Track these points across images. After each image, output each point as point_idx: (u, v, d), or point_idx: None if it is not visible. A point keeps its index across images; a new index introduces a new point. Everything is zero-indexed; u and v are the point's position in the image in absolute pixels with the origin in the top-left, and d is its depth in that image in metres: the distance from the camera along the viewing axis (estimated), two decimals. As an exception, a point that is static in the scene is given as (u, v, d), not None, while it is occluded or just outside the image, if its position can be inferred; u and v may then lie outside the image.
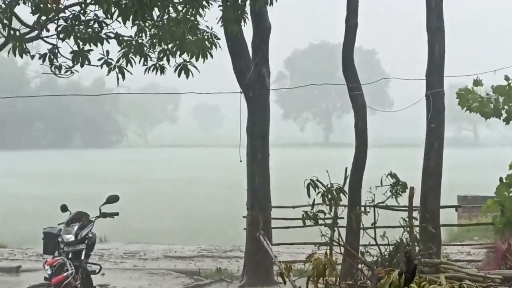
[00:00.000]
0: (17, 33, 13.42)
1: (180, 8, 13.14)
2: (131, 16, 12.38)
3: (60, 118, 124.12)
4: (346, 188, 13.12)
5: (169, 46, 13.65)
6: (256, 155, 15.92)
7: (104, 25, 13.10)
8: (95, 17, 13.13)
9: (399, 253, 11.94)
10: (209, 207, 37.20)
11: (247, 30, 15.68)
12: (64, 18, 13.27)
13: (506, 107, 13.05)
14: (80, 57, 13.35)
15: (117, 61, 13.45)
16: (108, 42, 13.16)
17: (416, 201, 14.52)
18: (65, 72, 14.00)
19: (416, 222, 14.02)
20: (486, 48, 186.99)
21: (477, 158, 79.64)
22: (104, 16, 12.81)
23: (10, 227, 29.61)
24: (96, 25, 13.16)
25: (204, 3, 13.13)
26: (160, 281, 16.37)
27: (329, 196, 11.88)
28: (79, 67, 13.64)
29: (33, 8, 12.42)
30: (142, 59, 13.70)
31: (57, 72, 14.02)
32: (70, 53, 13.39)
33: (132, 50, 13.43)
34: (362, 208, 13.32)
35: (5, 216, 33.81)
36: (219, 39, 14.09)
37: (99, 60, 13.45)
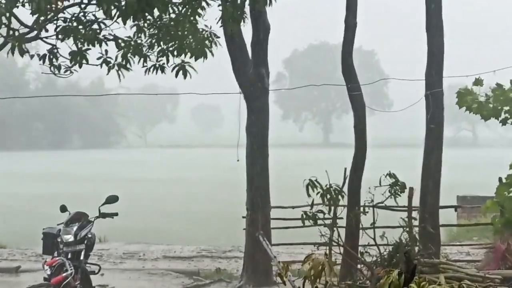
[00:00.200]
0: (16, 33, 13.43)
1: (179, 8, 13.14)
2: (131, 16, 12.42)
3: (59, 118, 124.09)
4: (346, 189, 13.12)
5: (168, 46, 13.66)
6: (256, 156, 15.92)
7: (103, 26, 13.10)
8: (94, 17, 13.14)
9: (398, 253, 11.94)
10: (208, 207, 37.17)
11: (246, 31, 15.69)
12: (63, 18, 13.28)
13: (505, 108, 13.05)
14: (78, 56, 13.36)
15: (116, 60, 13.47)
16: (107, 44, 13.18)
17: (416, 201, 14.51)
18: (64, 72, 14.02)
19: (416, 222, 14.02)
20: (486, 48, 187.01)
21: (476, 159, 79.66)
22: (103, 16, 12.83)
23: (10, 227, 29.60)
24: (95, 26, 13.17)
25: (203, 3, 13.14)
26: (159, 282, 16.37)
27: (328, 196, 11.90)
28: (78, 67, 13.66)
29: (33, 9, 12.42)
30: (142, 59, 13.72)
31: (56, 72, 14.03)
32: (69, 53, 13.42)
33: (131, 51, 13.44)
34: (362, 208, 13.32)
35: (5, 216, 33.79)
36: (218, 37, 14.10)
37: (98, 59, 13.46)
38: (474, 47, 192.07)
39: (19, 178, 58.74)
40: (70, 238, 11.90)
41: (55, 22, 13.49)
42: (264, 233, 14.93)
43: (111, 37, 13.30)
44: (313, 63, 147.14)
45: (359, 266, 13.22)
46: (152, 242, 23.06)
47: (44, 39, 13.88)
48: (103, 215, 12.34)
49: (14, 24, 13.65)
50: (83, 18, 13.17)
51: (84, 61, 13.15)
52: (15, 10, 12.67)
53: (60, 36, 13.29)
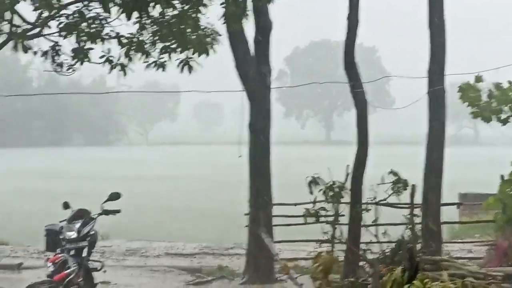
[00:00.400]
0: (19, 30, 13.44)
1: (180, 5, 13.16)
2: (133, 13, 12.44)
3: (59, 116, 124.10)
4: (348, 186, 13.14)
5: (170, 43, 13.67)
6: (258, 153, 15.93)
7: (105, 23, 13.12)
8: (96, 14, 13.16)
9: (400, 250, 11.94)
10: (210, 205, 37.18)
11: (249, 28, 15.71)
12: (66, 15, 13.29)
13: (505, 108, 13.02)
14: (81, 54, 13.39)
15: (119, 59, 13.48)
16: (109, 42, 13.19)
17: (418, 199, 14.49)
18: (67, 69, 14.04)
19: (418, 220, 14.01)
20: (488, 44, 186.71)
21: (478, 156, 79.57)
22: (106, 14, 12.85)
23: (12, 224, 29.61)
24: (98, 23, 13.19)
25: (205, 1, 13.17)
26: (161, 278, 16.39)
27: (331, 193, 11.93)
28: (80, 64, 13.67)
29: (39, 4, 12.43)
30: (144, 56, 13.73)
31: (58, 69, 14.05)
32: (72, 50, 13.43)
33: (133, 48, 13.46)
34: (364, 206, 13.33)
35: (7, 213, 33.81)
36: (220, 35, 14.11)
37: (100, 57, 13.47)
38: (476, 44, 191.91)
39: (20, 176, 58.77)
40: (73, 235, 11.90)
41: (57, 19, 13.51)
42: (266, 231, 14.95)
43: (114, 35, 13.33)
44: (315, 61, 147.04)
45: (361, 263, 13.24)
46: (154, 239, 23.07)
47: (46, 36, 13.90)
48: (105, 212, 12.33)
49: (16, 21, 13.69)
50: (86, 12, 13.20)
51: (86, 60, 13.17)
52: (16, 7, 12.69)
53: (62, 33, 13.31)
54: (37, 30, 13.85)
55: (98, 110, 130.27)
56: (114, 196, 12.32)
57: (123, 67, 13.52)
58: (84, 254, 11.80)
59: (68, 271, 9.50)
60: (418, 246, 12.82)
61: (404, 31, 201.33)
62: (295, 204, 16.42)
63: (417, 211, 13.96)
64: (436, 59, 14.54)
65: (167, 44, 13.59)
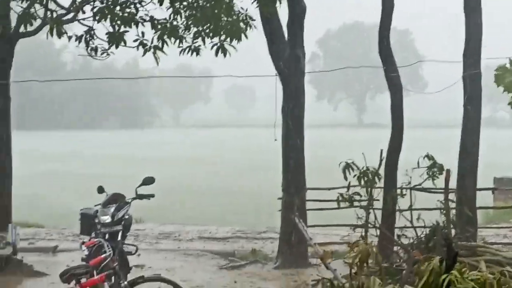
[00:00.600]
0: (54, 15, 13.53)
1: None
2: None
3: (94, 99, 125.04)
4: (382, 170, 13.07)
5: (204, 27, 13.67)
6: (291, 137, 15.89)
7: (139, 6, 13.16)
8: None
9: (435, 236, 11.88)
10: (243, 188, 37.23)
11: (282, 12, 15.61)
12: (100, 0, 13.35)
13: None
14: (115, 38, 13.44)
15: (152, 42, 13.51)
16: (143, 25, 13.23)
17: (452, 183, 14.37)
18: (101, 54, 14.12)
19: (453, 205, 13.91)
20: (492, 38, 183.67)
21: (513, 140, 78.74)
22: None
23: (46, 207, 29.90)
24: (132, 7, 13.23)
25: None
26: (195, 262, 16.43)
27: (365, 178, 11.88)
28: (115, 48, 13.74)
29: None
30: (177, 41, 13.75)
31: (93, 54, 14.14)
32: (106, 34, 13.49)
33: (167, 32, 13.48)
34: (398, 191, 13.25)
35: (41, 195, 34.15)
36: (254, 20, 14.09)
37: (134, 41, 13.52)
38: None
39: (56, 158, 59.30)
40: (107, 219, 12.00)
41: (92, 3, 13.58)
42: (299, 215, 14.93)
43: (147, 18, 13.37)
44: (347, 43, 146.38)
45: (395, 248, 13.19)
46: (187, 223, 23.15)
47: (81, 20, 13.98)
48: (139, 197, 12.41)
49: (51, 5, 13.78)
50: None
51: (121, 43, 13.23)
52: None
53: (97, 18, 13.37)
54: (72, 15, 13.95)
55: (131, 93, 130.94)
56: (148, 181, 12.39)
57: (156, 50, 13.56)
58: (119, 238, 11.90)
59: (104, 255, 9.56)
60: (453, 232, 12.78)
61: (437, 12, 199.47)
62: (329, 189, 16.36)
63: (451, 196, 13.90)
64: (472, 42, 14.39)
65: (201, 28, 13.60)
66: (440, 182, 12.83)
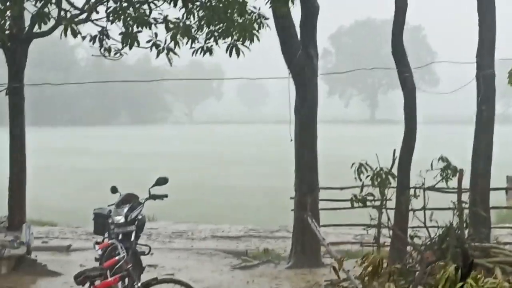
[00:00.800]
0: (68, 15, 13.57)
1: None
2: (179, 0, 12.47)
3: (107, 95, 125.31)
4: (394, 170, 13.03)
5: (216, 28, 13.67)
6: (304, 137, 15.89)
7: (154, 7, 13.17)
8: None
9: (448, 237, 11.84)
10: (255, 186, 37.23)
11: (295, 11, 15.60)
12: (114, 0, 13.37)
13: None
14: (129, 39, 13.46)
15: (165, 43, 13.52)
16: (156, 27, 13.24)
17: (465, 182, 14.30)
18: (114, 54, 14.15)
19: (466, 205, 13.86)
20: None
21: (526, 136, 78.33)
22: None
23: (60, 205, 29.96)
24: (145, 7, 13.24)
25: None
26: (208, 262, 16.46)
27: (378, 179, 11.86)
28: (129, 49, 13.76)
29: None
30: (190, 40, 13.75)
31: (106, 54, 14.17)
32: (119, 34, 13.51)
33: (180, 32, 13.47)
34: (412, 191, 13.21)
35: (54, 192, 34.24)
36: (267, 19, 14.06)
37: (147, 42, 13.54)
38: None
39: (69, 154, 59.47)
40: (121, 219, 12.04)
41: (105, 3, 13.60)
42: (312, 215, 14.92)
43: (161, 19, 13.38)
44: (360, 40, 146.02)
45: (408, 248, 13.15)
46: (200, 221, 23.19)
47: (94, 21, 14.00)
48: (153, 197, 12.45)
49: (65, 5, 13.81)
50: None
51: (135, 44, 13.25)
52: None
53: (110, 18, 13.39)
54: (85, 15, 13.98)
55: (144, 89, 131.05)
56: (162, 181, 12.42)
57: (169, 51, 13.57)
58: (132, 238, 11.94)
59: (118, 257, 9.59)
60: (466, 233, 12.73)
61: (450, 8, 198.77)
62: (341, 189, 16.36)
63: (465, 196, 13.85)
64: (486, 42, 14.33)
65: (213, 28, 13.59)
66: (453, 181, 12.78)
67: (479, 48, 14.36)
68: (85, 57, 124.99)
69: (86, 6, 13.81)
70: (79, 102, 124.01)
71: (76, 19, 13.43)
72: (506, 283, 4.96)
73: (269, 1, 13.89)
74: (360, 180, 11.61)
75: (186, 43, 13.72)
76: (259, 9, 13.89)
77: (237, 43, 13.36)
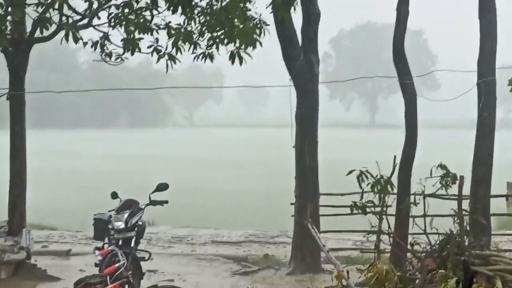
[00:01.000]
0: (69, 20, 13.59)
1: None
2: (177, 6, 12.49)
3: (107, 97, 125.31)
4: (394, 177, 13.03)
5: (218, 33, 13.69)
6: (305, 143, 15.89)
7: (156, 13, 13.20)
8: (146, 4, 13.24)
9: (449, 244, 11.83)
10: (255, 189, 37.19)
11: (296, 18, 15.62)
12: (116, 5, 13.40)
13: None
14: (131, 45, 13.49)
15: (166, 49, 13.55)
16: (158, 33, 13.26)
17: (466, 189, 14.29)
18: (115, 59, 14.18)
19: (466, 212, 13.85)
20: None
21: (527, 142, 78.26)
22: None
23: (60, 209, 29.93)
24: (147, 13, 13.27)
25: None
26: (208, 268, 16.45)
27: (379, 187, 11.85)
28: (130, 54, 13.80)
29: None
30: (191, 46, 13.78)
31: (107, 59, 14.21)
32: (121, 40, 13.55)
33: (181, 38, 13.50)
34: (412, 198, 13.20)
35: (53, 197, 34.19)
36: (268, 25, 14.09)
37: (148, 47, 13.57)
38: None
39: (66, 156, 59.45)
40: (121, 225, 12.00)
41: (107, 9, 13.63)
42: (312, 221, 14.92)
43: (163, 25, 13.40)
44: (360, 43, 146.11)
45: (408, 255, 13.14)
46: (200, 226, 23.16)
47: (96, 26, 14.03)
48: (153, 203, 12.41)
49: (66, 11, 13.82)
50: (135, 3, 13.28)
51: (136, 50, 13.28)
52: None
53: (112, 24, 13.42)
54: (87, 20, 14.00)
55: (144, 91, 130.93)
56: (162, 187, 12.39)
57: (170, 57, 13.60)
58: (132, 244, 11.91)
59: (118, 265, 9.59)
60: (467, 240, 12.71)
61: (450, 8, 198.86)
62: (342, 195, 16.34)
63: (465, 203, 13.84)
64: (486, 49, 14.30)
65: (215, 34, 13.62)
66: (453, 188, 12.75)
67: (479, 55, 14.32)
68: (86, 60, 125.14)
69: (88, 12, 13.83)
70: (80, 104, 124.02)
71: (77, 25, 13.45)
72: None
73: (270, 6, 13.91)
74: (361, 188, 11.60)
75: (188, 49, 13.76)
76: (260, 15, 13.92)
77: (240, 50, 13.39)
